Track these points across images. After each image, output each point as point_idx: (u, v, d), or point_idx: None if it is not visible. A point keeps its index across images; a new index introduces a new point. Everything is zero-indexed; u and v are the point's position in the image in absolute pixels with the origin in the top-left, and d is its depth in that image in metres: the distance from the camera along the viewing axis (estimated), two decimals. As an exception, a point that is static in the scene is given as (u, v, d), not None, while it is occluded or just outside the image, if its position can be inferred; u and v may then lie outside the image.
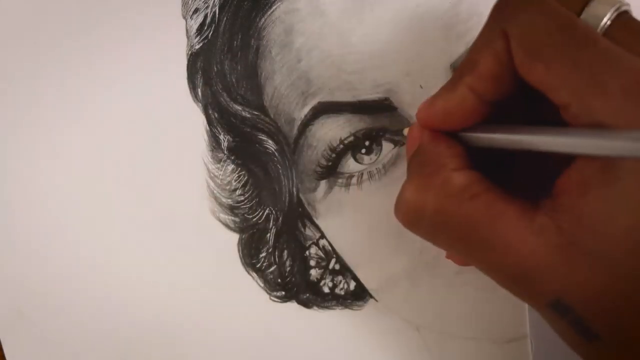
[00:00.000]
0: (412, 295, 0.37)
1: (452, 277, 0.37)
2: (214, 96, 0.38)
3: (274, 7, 0.36)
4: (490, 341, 0.37)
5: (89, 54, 0.38)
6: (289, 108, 0.37)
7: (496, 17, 0.24)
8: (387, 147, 0.36)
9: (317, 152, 0.37)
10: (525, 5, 0.23)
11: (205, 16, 0.37)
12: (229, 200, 0.38)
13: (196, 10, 0.37)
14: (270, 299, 0.39)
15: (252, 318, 0.39)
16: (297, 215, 0.38)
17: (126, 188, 0.39)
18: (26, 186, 0.39)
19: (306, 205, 0.38)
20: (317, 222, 0.38)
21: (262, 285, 0.39)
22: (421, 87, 0.35)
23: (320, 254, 0.38)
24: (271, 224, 0.38)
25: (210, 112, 0.38)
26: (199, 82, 0.38)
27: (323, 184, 0.37)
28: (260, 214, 0.38)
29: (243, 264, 0.39)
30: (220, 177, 0.38)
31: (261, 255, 0.38)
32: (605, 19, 0.28)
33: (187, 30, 0.38)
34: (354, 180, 0.37)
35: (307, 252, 0.38)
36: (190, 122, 0.38)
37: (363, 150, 0.36)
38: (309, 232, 0.38)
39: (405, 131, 0.31)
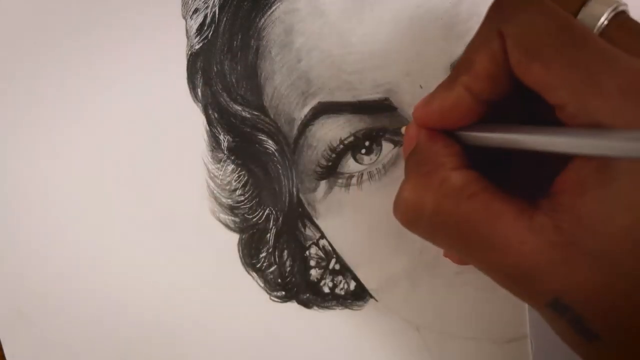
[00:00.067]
0: (412, 295, 0.37)
1: (452, 277, 0.37)
2: (214, 96, 0.38)
3: (273, 7, 0.36)
4: (490, 341, 0.37)
5: (89, 54, 0.38)
6: (289, 108, 0.37)
7: (493, 17, 0.24)
8: (387, 147, 0.36)
9: (317, 152, 0.37)
10: (522, 6, 0.23)
11: (205, 16, 0.37)
12: (229, 200, 0.38)
13: (196, 11, 0.37)
14: (271, 299, 0.39)
15: (252, 318, 0.39)
16: (297, 216, 0.38)
17: (126, 188, 0.39)
18: (26, 186, 0.39)
19: (306, 206, 0.38)
20: (317, 222, 0.38)
21: (262, 285, 0.39)
22: (421, 87, 0.35)
23: (320, 254, 0.38)
24: (271, 224, 0.38)
25: (210, 112, 0.38)
26: (199, 82, 0.38)
27: (323, 184, 0.37)
28: (260, 214, 0.38)
29: (243, 264, 0.39)
30: (220, 177, 0.38)
31: (261, 255, 0.38)
32: (602, 19, 0.28)
33: (187, 30, 0.38)
34: (354, 180, 0.37)
35: (307, 252, 0.38)
36: (190, 122, 0.38)
37: (363, 151, 0.36)
38: (309, 232, 0.38)
39: (403, 129, 0.31)
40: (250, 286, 0.39)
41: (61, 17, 0.38)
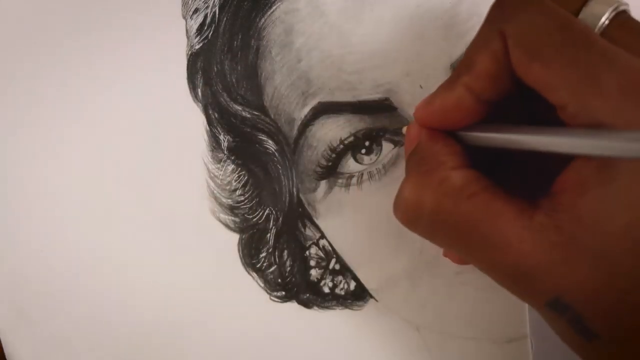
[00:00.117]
0: (412, 295, 0.37)
1: (452, 277, 0.37)
2: (214, 96, 0.38)
3: (274, 7, 0.36)
4: (490, 341, 0.37)
5: (89, 54, 0.38)
6: (289, 108, 0.37)
7: (494, 16, 0.24)
8: (387, 147, 0.36)
9: (317, 152, 0.37)
10: (523, 6, 0.23)
11: (205, 16, 0.37)
12: (229, 200, 0.38)
13: (196, 10, 0.37)
14: (271, 299, 0.39)
15: (252, 318, 0.39)
16: (297, 216, 0.38)
17: (126, 188, 0.39)
18: (26, 186, 0.39)
19: (306, 206, 0.38)
20: (317, 222, 0.38)
21: (262, 285, 0.39)
22: (421, 87, 0.35)
23: (321, 254, 0.38)
24: (271, 224, 0.38)
25: (210, 112, 0.38)
26: (199, 82, 0.38)
27: (323, 184, 0.37)
28: (261, 214, 0.38)
29: (243, 264, 0.39)
30: (220, 177, 0.38)
31: (261, 256, 0.38)
32: (603, 19, 0.28)
33: (187, 30, 0.38)
34: (354, 180, 0.37)
35: (307, 252, 0.38)
36: (190, 122, 0.38)
37: (363, 151, 0.36)
38: (309, 232, 0.38)
39: (404, 130, 0.31)
40: (250, 286, 0.39)
41: (61, 17, 0.38)
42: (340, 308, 0.39)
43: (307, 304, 0.39)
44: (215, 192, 0.38)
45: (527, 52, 0.22)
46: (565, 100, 0.22)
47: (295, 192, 0.38)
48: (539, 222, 0.22)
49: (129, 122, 0.38)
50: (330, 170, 0.37)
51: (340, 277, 0.38)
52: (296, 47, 0.36)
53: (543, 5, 0.23)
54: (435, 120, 0.26)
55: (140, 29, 0.38)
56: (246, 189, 0.38)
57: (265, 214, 0.38)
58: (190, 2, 0.37)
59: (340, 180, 0.37)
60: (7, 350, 0.40)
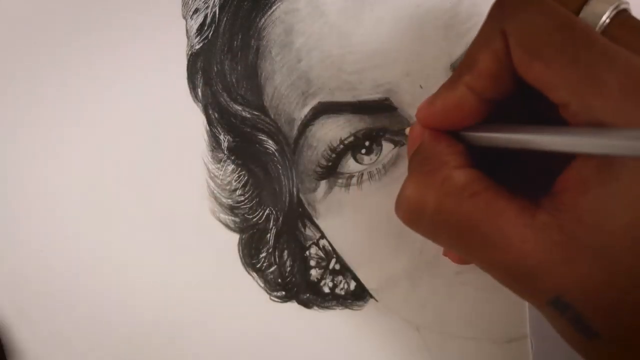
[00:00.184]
0: (412, 295, 0.37)
1: (452, 277, 0.37)
2: (214, 96, 0.38)
3: (274, 7, 0.36)
4: (490, 341, 0.37)
5: (89, 54, 0.38)
6: (289, 108, 0.37)
7: (495, 16, 0.24)
8: (387, 147, 0.36)
9: (317, 152, 0.37)
10: (524, 5, 0.23)
11: (206, 16, 0.37)
12: (229, 200, 0.38)
13: (196, 11, 0.37)
14: (271, 299, 0.39)
15: (252, 318, 0.39)
16: (297, 216, 0.38)
17: (126, 188, 0.39)
18: (26, 186, 0.39)
19: (306, 206, 0.38)
20: (317, 222, 0.38)
21: (262, 285, 0.39)
22: (421, 87, 0.35)
23: (321, 254, 0.38)
24: (271, 224, 0.38)
25: (210, 112, 0.38)
26: (199, 82, 0.38)
27: (323, 184, 0.37)
28: (261, 214, 0.38)
29: (243, 264, 0.39)
30: (221, 177, 0.38)
31: (261, 256, 0.38)
32: (604, 17, 0.28)
33: (187, 30, 0.38)
34: (354, 180, 0.37)
35: (307, 252, 0.38)
36: (190, 122, 0.38)
37: (363, 151, 0.36)
38: (309, 232, 0.38)
39: (407, 130, 0.31)
40: (250, 286, 0.39)
41: (61, 17, 0.38)
42: (340, 308, 0.39)
43: (307, 304, 0.39)
44: (215, 192, 0.38)
45: (528, 51, 0.23)
46: (566, 99, 0.22)
47: (295, 192, 0.38)
48: (541, 221, 0.22)
49: (129, 122, 0.38)
50: (330, 170, 0.37)
51: (340, 277, 0.38)
52: (296, 47, 0.36)
53: (544, 4, 0.23)
54: (437, 120, 0.26)
55: (140, 29, 0.38)
56: (246, 189, 0.38)
57: (265, 214, 0.38)
58: (190, 2, 0.37)
59: (340, 180, 0.37)
60: (7, 350, 0.40)
